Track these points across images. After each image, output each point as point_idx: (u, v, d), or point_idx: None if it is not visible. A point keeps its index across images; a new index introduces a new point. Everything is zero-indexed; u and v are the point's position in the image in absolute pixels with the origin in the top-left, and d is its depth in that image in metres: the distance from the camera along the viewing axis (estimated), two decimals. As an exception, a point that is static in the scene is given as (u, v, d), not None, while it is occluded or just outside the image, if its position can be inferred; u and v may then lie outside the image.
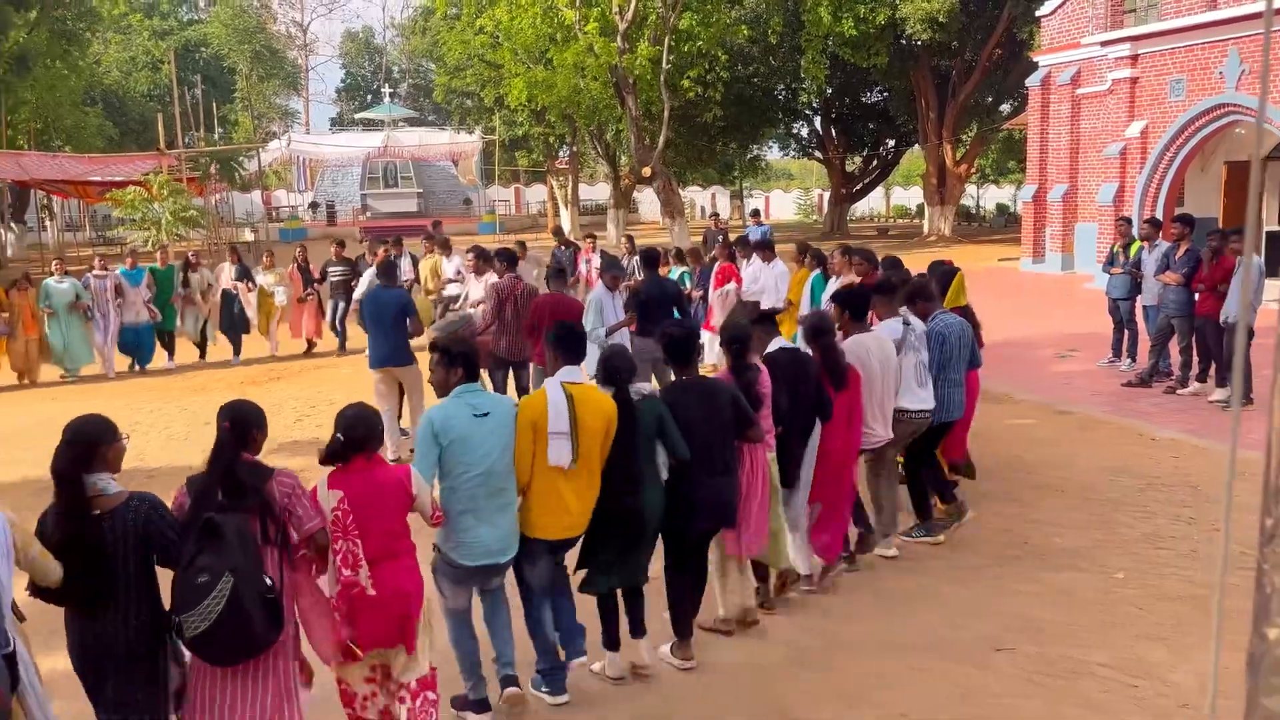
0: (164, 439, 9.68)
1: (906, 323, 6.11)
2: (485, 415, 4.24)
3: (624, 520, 4.56)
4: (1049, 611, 5.38)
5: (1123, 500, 7.11)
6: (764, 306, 11.24)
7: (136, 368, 13.45)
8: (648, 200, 44.75)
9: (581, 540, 4.60)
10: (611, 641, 4.76)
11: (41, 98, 30.58)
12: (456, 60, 34.85)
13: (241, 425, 3.68)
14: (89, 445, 3.49)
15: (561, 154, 41.43)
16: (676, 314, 9.08)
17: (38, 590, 3.44)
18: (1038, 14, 22.33)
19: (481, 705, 4.40)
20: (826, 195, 43.74)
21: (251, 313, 13.91)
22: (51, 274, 13.01)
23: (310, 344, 14.28)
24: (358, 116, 50.20)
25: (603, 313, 8.06)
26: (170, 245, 20.43)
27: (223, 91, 50.29)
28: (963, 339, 6.35)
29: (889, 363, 5.87)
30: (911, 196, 50.38)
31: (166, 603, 3.56)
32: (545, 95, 26.99)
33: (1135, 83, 18.40)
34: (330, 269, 14.12)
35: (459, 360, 4.38)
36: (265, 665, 3.58)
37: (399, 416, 8.72)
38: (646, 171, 26.88)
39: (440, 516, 4.18)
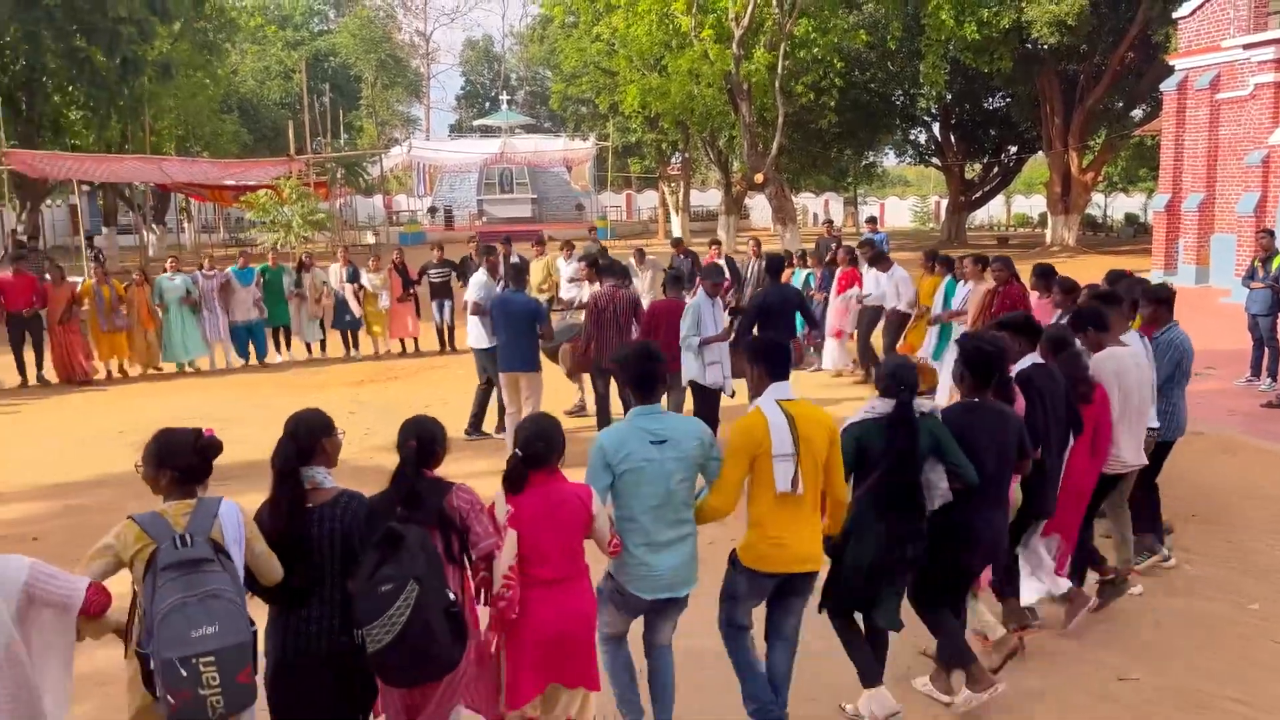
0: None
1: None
2: (663, 442, 3.89)
3: (899, 547, 4.17)
4: (1177, 641, 5.12)
5: (1260, 527, 6.72)
6: (890, 308, 11.31)
7: (255, 361, 14.11)
8: (759, 206, 44.47)
9: (835, 569, 4.25)
10: (872, 675, 4.30)
11: (183, 105, 32.25)
12: (573, 67, 35.32)
13: (428, 443, 3.60)
14: (311, 438, 3.49)
15: (674, 160, 41.54)
16: (800, 320, 9.01)
17: (252, 587, 3.40)
18: (1174, 16, 21.36)
19: None
20: (944, 203, 42.73)
21: (359, 311, 14.47)
22: (165, 271, 13.78)
23: (404, 343, 14.79)
24: (476, 123, 51.40)
25: (700, 321, 7.99)
26: (296, 246, 21.29)
27: (349, 99, 52.14)
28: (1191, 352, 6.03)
29: (1144, 379, 5.44)
30: (1033, 205, 48.79)
31: None
32: (659, 102, 27.11)
33: (1280, 87, 17.44)
34: (430, 271, 14.62)
35: (635, 380, 4.05)
36: (443, 699, 3.47)
37: (491, 415, 8.87)
38: (759, 178, 26.72)
39: (619, 545, 3.87)
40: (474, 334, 9.57)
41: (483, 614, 3.75)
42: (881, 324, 11.51)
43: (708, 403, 7.99)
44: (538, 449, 3.69)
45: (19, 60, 26.93)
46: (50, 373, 13.01)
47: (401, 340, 14.81)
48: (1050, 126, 30.51)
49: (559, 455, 3.77)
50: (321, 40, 54.93)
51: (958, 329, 9.52)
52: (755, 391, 4.15)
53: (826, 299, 12.38)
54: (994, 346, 4.47)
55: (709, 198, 48.02)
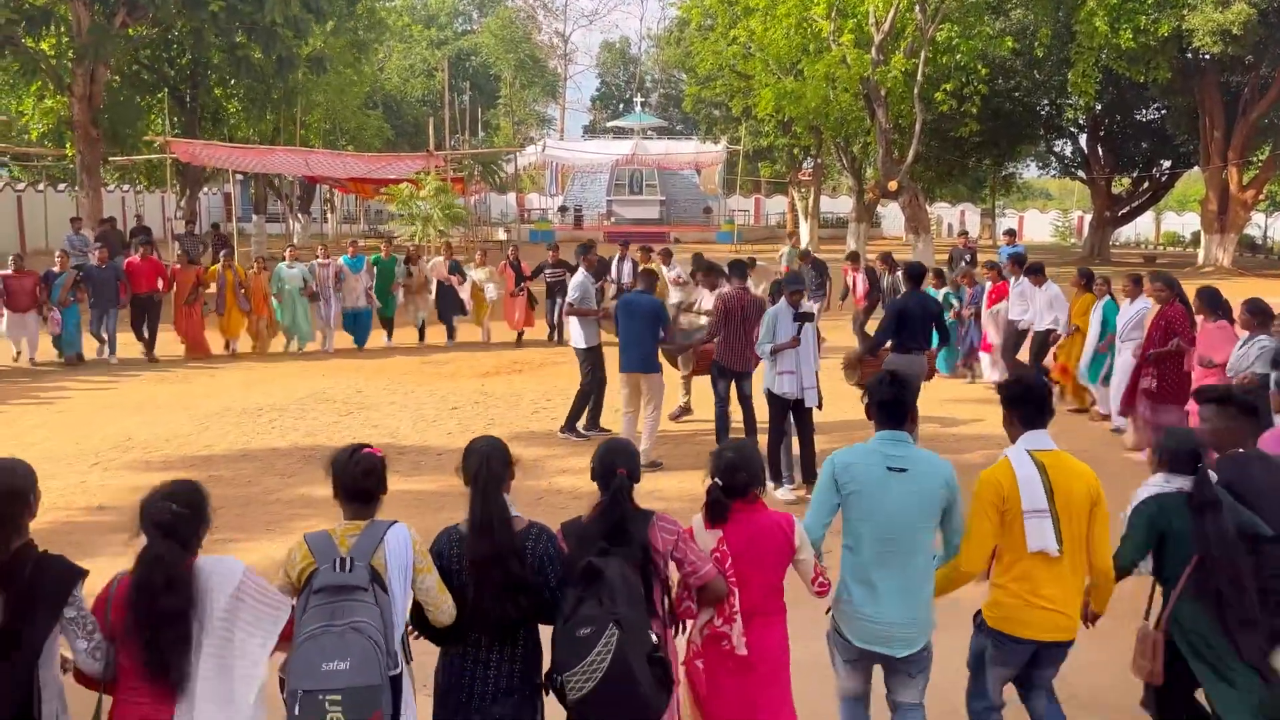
0: (414, 419, 10.32)
1: None
2: (902, 471, 3.56)
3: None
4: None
5: None
6: (1037, 328, 10.93)
7: (356, 346, 14.72)
8: (891, 215, 43.56)
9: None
10: None
11: (332, 101, 33.62)
12: (707, 70, 35.29)
13: (635, 471, 3.39)
14: (505, 464, 3.31)
15: (805, 165, 41.06)
16: (936, 334, 8.76)
17: (419, 626, 3.24)
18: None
19: None
20: (1087, 218, 40.97)
21: (468, 304, 15.04)
22: (284, 259, 14.46)
23: (520, 334, 15.16)
24: (609, 124, 51.96)
25: (775, 329, 7.85)
26: (434, 240, 21.90)
27: (488, 98, 53.46)
28: None
29: None
30: (1186, 223, 46.31)
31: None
32: (794, 106, 26.83)
33: None
34: (545, 271, 15.08)
35: (883, 405, 3.72)
36: None
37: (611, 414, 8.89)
38: (893, 185, 26.15)
39: (825, 585, 3.55)
40: (575, 334, 9.61)
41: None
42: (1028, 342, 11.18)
43: (782, 413, 7.86)
44: (740, 479, 3.48)
45: (185, 55, 28.56)
46: (160, 351, 13.72)
47: (519, 331, 15.18)
48: (1209, 140, 28.89)
49: (760, 483, 3.58)
50: (464, 40, 56.51)
51: (1119, 350, 9.39)
52: (1010, 438, 3.80)
53: (977, 314, 12.30)
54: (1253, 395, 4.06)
55: (839, 204, 47.33)
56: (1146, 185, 36.31)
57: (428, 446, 9.20)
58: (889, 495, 3.54)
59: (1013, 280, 11.61)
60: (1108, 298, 10.01)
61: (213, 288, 13.92)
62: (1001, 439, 3.93)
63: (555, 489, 7.86)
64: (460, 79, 46.26)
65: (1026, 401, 3.76)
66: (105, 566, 3.18)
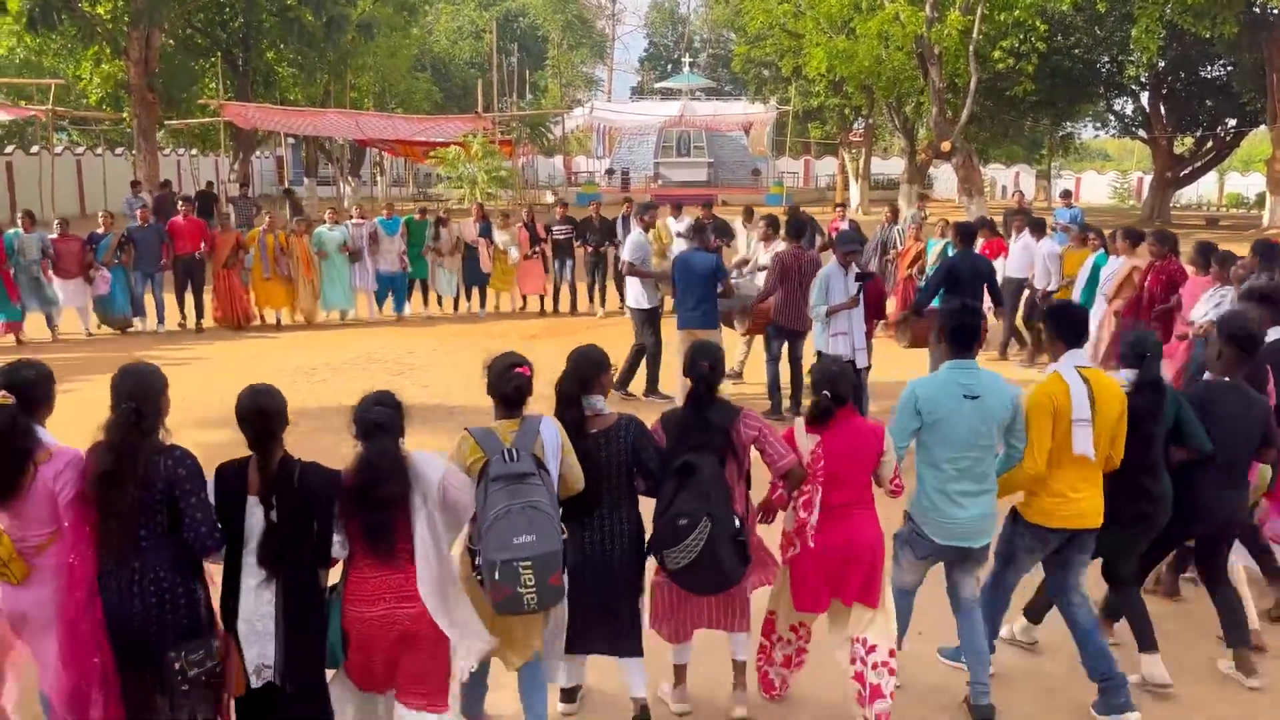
0: (463, 380, 10.43)
1: None
2: (976, 398, 4.10)
3: (1144, 519, 4.41)
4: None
5: None
6: (1036, 285, 10.99)
7: (394, 314, 14.45)
8: (944, 177, 42.87)
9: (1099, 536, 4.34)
10: (1149, 643, 4.50)
11: (381, 64, 33.77)
12: (757, 29, 34.75)
13: (720, 366, 4.11)
14: (593, 370, 4.02)
15: (856, 126, 40.44)
16: (988, 293, 8.67)
17: None
18: None
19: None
20: (1147, 179, 39.93)
21: (487, 267, 14.56)
22: (324, 222, 14.23)
23: (542, 300, 14.95)
24: (657, 85, 51.50)
25: (828, 290, 7.76)
26: (481, 203, 21.98)
27: (535, 59, 53.24)
28: None
29: None
30: (1251, 184, 44.93)
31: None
32: (845, 65, 26.37)
33: None
34: (555, 228, 14.66)
35: (946, 331, 4.29)
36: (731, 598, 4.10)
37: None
38: (946, 146, 25.68)
39: (900, 486, 4.17)
40: (632, 294, 9.57)
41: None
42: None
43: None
44: (842, 389, 4.04)
45: (237, 18, 28.81)
46: (209, 319, 13.50)
47: (541, 299, 14.95)
48: (1276, 98, 27.92)
49: (851, 395, 4.13)
50: (512, 1, 56.20)
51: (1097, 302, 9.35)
52: (1052, 358, 4.35)
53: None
54: (1257, 329, 4.63)
55: (890, 166, 46.59)
56: (1210, 145, 35.24)
57: (478, 407, 9.23)
58: (965, 419, 4.09)
59: (1014, 236, 11.59)
60: (1100, 250, 9.94)
61: (252, 251, 13.50)
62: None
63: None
64: (508, 40, 46.08)
65: (1069, 324, 4.33)
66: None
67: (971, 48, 24.20)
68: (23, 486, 3.35)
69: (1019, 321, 11.52)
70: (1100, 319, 9.09)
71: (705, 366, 4.00)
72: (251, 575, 3.38)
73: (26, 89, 25.45)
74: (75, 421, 3.76)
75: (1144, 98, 34.94)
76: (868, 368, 7.93)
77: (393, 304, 14.49)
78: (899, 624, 4.26)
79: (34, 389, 3.54)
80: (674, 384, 8.76)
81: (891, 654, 4.00)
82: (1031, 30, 24.79)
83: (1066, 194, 18.12)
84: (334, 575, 3.62)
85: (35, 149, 27.90)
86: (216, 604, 3.53)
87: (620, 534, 3.92)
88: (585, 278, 14.70)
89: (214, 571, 3.59)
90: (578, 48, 60.35)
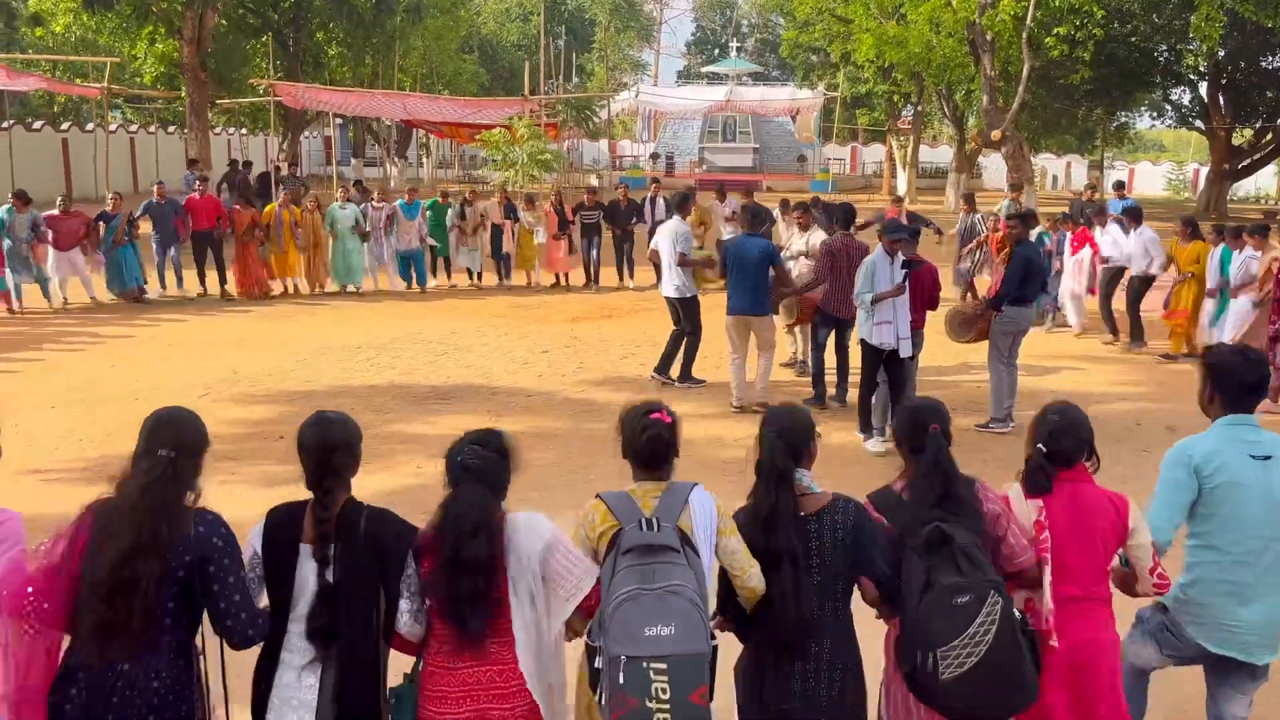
0: (506, 361, 10.47)
1: None
2: (1267, 459, 3.15)
3: None
4: None
5: None
6: (1133, 272, 11.21)
7: (415, 288, 15.00)
8: (993, 166, 42.16)
9: None
10: None
11: (429, 45, 33.91)
12: (806, 15, 34.43)
13: (948, 428, 3.09)
14: (805, 438, 3.01)
15: (905, 113, 39.95)
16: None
17: (722, 608, 2.99)
18: None
19: None
20: (1203, 170, 39.04)
21: (511, 247, 15.29)
22: (337, 200, 14.81)
23: (557, 278, 15.52)
24: (703, 70, 51.21)
25: (874, 278, 7.69)
26: (524, 185, 22.04)
27: (582, 42, 53.17)
28: None
29: None
30: (1312, 178, 43.76)
31: None
32: (895, 52, 26.05)
33: None
34: (583, 212, 15.32)
35: (1246, 386, 3.25)
36: None
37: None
38: (996, 135, 25.26)
39: (1165, 580, 3.14)
40: (675, 283, 9.38)
41: None
42: (1124, 284, 11.41)
43: (875, 364, 7.72)
44: (1066, 445, 3.08)
45: (288, -1, 29.09)
46: (233, 287, 14.14)
47: (556, 276, 15.51)
48: (1342, 89, 27.16)
49: (1088, 453, 3.14)
50: (560, -16, 56.14)
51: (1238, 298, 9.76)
52: None
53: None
54: None
55: (939, 154, 45.98)
56: (1270, 137, 34.37)
57: (519, 388, 9.34)
58: (1261, 487, 3.16)
59: (1100, 229, 11.89)
60: (1223, 245, 10.20)
61: (269, 226, 14.16)
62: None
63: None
64: (555, 23, 46.08)
65: None
66: (214, 493, 3.11)
67: (1025, 34, 23.76)
68: None
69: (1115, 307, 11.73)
70: (1241, 314, 9.72)
71: (936, 429, 3.00)
72: (297, 652, 2.70)
73: (83, 67, 25.91)
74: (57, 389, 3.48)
75: (1202, 88, 34.11)
76: (912, 358, 7.84)
77: (416, 279, 15.07)
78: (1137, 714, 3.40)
79: None
80: (724, 372, 8.71)
81: None
82: (1088, 17, 24.29)
83: (1120, 185, 17.77)
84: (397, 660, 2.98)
85: (90, 126, 28.41)
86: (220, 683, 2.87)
87: (834, 665, 2.86)
88: (613, 257, 15.43)
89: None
90: (625, 31, 60.19)
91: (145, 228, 13.91)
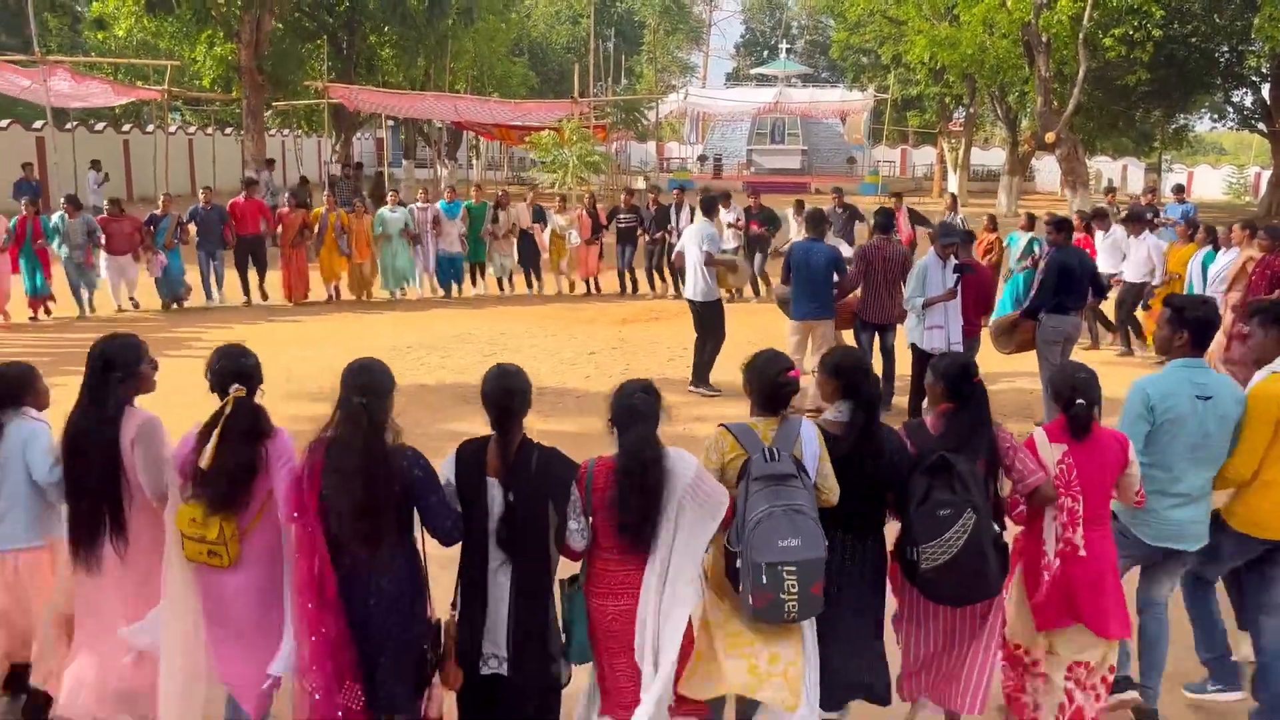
0: (554, 363, 10.54)
1: None
2: (1208, 399, 3.97)
3: None
4: None
5: None
6: (1130, 279, 10.76)
7: (449, 294, 14.73)
8: (1046, 168, 41.56)
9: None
10: None
11: (480, 48, 34.19)
12: (857, 16, 34.23)
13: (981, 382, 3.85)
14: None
15: (956, 115, 39.50)
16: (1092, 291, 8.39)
17: None
18: None
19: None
20: (1265, 174, 38.10)
21: (543, 250, 14.88)
22: (386, 204, 14.53)
23: (588, 283, 15.15)
24: (752, 72, 51.09)
25: (925, 281, 7.60)
26: (573, 187, 22.13)
27: (631, 45, 53.28)
28: None
29: None
30: (1379, 182, 42.46)
31: None
32: (947, 53, 25.79)
33: None
34: (620, 216, 14.91)
35: (1191, 325, 4.06)
36: (981, 619, 3.76)
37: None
38: (1050, 137, 24.92)
39: (1144, 497, 3.94)
40: (694, 286, 9.31)
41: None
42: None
43: (924, 366, 7.62)
44: (1093, 397, 3.82)
45: (343, 2, 29.49)
46: (272, 290, 14.00)
47: (585, 281, 15.16)
48: None
49: (1100, 403, 3.90)
50: (610, -14, 56.31)
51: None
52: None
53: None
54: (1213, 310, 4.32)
55: (991, 157, 45.43)
56: (1336, 139, 33.45)
57: (567, 389, 9.39)
58: (1198, 421, 3.96)
59: (1101, 233, 11.35)
60: (1208, 248, 9.84)
61: (316, 229, 13.86)
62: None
63: (691, 435, 7.92)
64: (605, 25, 46.24)
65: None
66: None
67: (1081, 35, 23.39)
68: (259, 471, 3.40)
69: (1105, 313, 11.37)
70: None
71: (979, 382, 3.77)
72: (491, 557, 3.37)
73: (144, 70, 26.49)
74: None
75: (1265, 89, 33.28)
76: None
77: (440, 283, 14.80)
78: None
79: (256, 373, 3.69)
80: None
81: (1105, 680, 3.86)
82: (1147, 17, 23.85)
83: (1179, 189, 17.41)
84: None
85: (151, 128, 29.05)
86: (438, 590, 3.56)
87: (869, 557, 3.69)
88: (643, 263, 15.03)
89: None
90: (674, 33, 60.20)
91: (194, 232, 13.59)
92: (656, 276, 14.91)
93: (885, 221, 8.98)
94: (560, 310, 13.87)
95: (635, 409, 3.35)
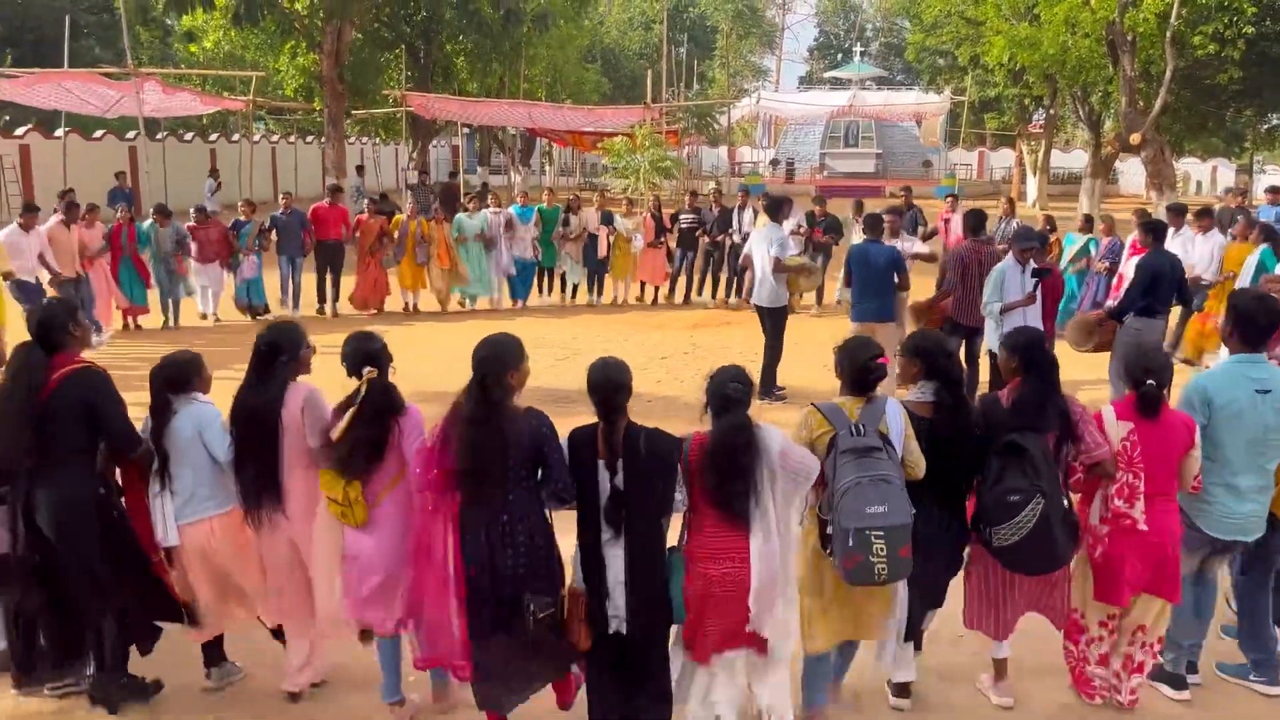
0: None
1: None
2: (1268, 392, 4.11)
3: None
4: None
5: None
6: (1196, 277, 10.32)
7: (525, 299, 14.62)
8: (1130, 170, 40.43)
9: None
10: None
11: (554, 55, 34.49)
12: (934, 17, 33.69)
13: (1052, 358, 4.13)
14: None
15: (1036, 117, 38.64)
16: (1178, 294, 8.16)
17: None
18: None
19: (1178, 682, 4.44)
20: (1366, 175, 36.51)
21: (603, 254, 14.49)
22: (465, 210, 14.49)
23: (656, 290, 14.89)
24: (826, 75, 50.68)
25: (1003, 286, 7.44)
26: (645, 192, 22.18)
27: (704, 49, 53.27)
28: None
29: None
30: None
31: None
32: (1027, 54, 25.21)
33: None
34: (682, 217, 14.59)
35: (1242, 320, 4.23)
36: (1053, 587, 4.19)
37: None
38: (1135, 139, 24.20)
39: (1201, 482, 4.14)
40: (761, 290, 9.20)
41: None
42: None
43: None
44: (1166, 379, 4.06)
45: (421, 11, 30.03)
46: (344, 305, 13.74)
47: (642, 285, 14.92)
48: None
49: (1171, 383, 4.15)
50: (683, -8, 56.39)
51: None
52: None
53: (1112, 267, 11.48)
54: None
55: (1072, 159, 44.38)
56: None
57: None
58: (1258, 414, 4.09)
59: (1170, 231, 10.82)
60: (1265, 245, 9.49)
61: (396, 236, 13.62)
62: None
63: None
64: (678, 31, 46.31)
65: None
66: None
67: (1169, 33, 22.69)
68: (390, 444, 3.91)
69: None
70: None
71: (1054, 358, 4.12)
72: (605, 532, 3.64)
73: (230, 81, 27.32)
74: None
75: (1365, 87, 31.94)
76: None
77: (515, 291, 14.66)
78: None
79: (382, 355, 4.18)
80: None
81: (1160, 638, 4.24)
82: (1238, 14, 23.05)
83: (1274, 190, 16.73)
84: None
85: (236, 137, 29.93)
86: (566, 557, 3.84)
87: (955, 527, 4.04)
88: (702, 266, 14.74)
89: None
90: (747, 37, 60.06)
91: (275, 237, 13.47)
92: (709, 280, 14.66)
93: (978, 223, 8.81)
94: (632, 315, 13.91)
95: (729, 396, 3.62)
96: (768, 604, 3.61)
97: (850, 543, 3.54)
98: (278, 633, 4.50)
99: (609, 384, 3.68)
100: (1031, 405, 3.93)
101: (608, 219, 14.61)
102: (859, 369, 3.87)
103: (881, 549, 3.52)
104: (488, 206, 14.56)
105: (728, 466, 3.56)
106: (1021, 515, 3.71)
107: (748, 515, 3.57)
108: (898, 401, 3.89)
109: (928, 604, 4.15)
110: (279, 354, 4.12)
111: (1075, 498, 4.13)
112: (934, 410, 3.94)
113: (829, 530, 3.69)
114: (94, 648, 4.19)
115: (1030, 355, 4.04)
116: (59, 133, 22.63)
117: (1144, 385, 4.01)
